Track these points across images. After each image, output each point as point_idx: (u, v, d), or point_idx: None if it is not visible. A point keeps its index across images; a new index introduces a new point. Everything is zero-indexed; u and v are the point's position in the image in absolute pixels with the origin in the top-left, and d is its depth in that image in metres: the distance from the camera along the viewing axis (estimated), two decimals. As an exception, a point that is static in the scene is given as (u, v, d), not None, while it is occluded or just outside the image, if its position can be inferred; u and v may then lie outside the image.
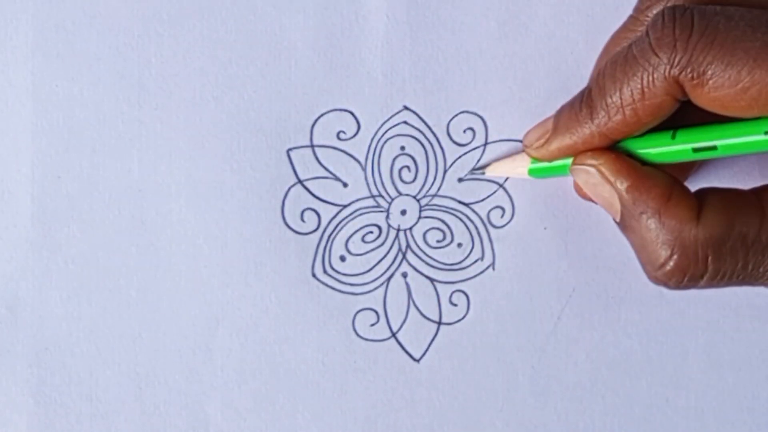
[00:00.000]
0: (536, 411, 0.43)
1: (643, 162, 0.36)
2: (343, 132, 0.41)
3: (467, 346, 0.42)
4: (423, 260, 0.42)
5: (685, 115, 0.36)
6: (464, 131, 0.42)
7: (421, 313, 0.42)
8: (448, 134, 0.42)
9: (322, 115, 0.41)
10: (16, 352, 0.41)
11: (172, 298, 0.42)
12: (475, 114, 0.42)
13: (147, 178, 0.41)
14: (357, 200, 0.42)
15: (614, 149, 0.37)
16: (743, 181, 0.42)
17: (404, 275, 0.42)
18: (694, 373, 0.43)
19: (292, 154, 0.41)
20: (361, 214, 0.42)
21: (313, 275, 0.42)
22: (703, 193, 0.36)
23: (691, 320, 0.43)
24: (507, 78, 0.42)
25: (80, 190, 0.41)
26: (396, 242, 0.42)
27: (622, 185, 0.36)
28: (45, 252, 0.41)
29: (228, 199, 0.41)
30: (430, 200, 0.42)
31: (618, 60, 0.35)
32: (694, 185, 0.38)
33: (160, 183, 0.41)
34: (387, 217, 0.42)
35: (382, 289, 0.42)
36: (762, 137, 0.34)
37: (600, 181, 0.36)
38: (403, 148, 0.42)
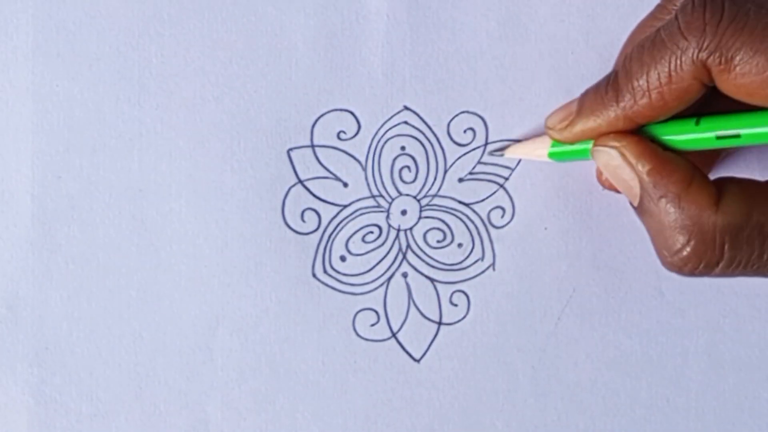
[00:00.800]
0: (536, 411, 0.43)
1: (666, 148, 0.36)
2: (344, 132, 0.41)
3: (467, 346, 0.42)
4: (423, 260, 0.42)
5: (709, 103, 0.36)
6: (465, 131, 0.42)
7: (422, 313, 0.42)
8: (449, 134, 0.42)
9: (322, 115, 0.41)
10: (16, 351, 0.41)
11: (172, 298, 0.42)
12: (476, 114, 0.42)
13: (147, 178, 0.41)
14: (357, 200, 0.42)
15: (637, 133, 0.37)
16: (761, 173, 0.42)
17: (404, 275, 0.42)
18: (694, 373, 0.43)
19: (293, 154, 0.41)
20: (361, 214, 0.42)
21: (314, 275, 0.42)
22: (723, 181, 0.36)
23: (691, 320, 0.43)
24: (507, 78, 0.42)
25: (80, 190, 0.41)
26: (396, 242, 0.42)
27: (643, 168, 0.36)
28: (45, 252, 0.41)
29: (228, 199, 0.41)
30: (431, 200, 0.42)
31: (646, 44, 0.35)
32: (712, 176, 0.38)
33: (160, 183, 0.41)
34: (387, 217, 0.42)
35: (382, 289, 0.42)
36: None
37: (621, 163, 0.36)
38: (403, 148, 0.42)
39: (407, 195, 0.42)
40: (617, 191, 0.39)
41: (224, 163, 0.41)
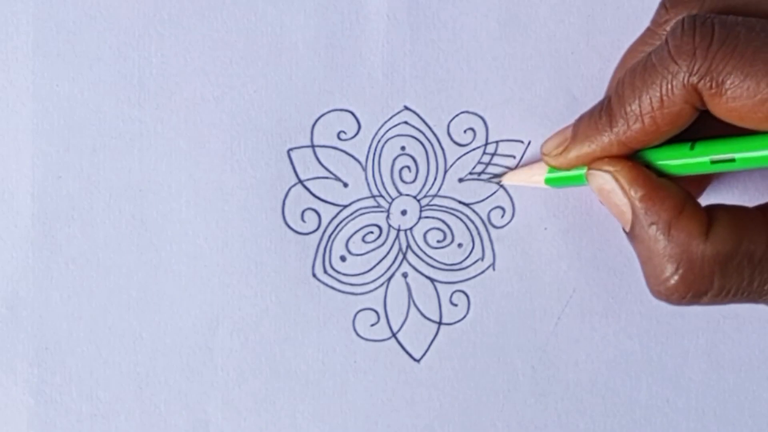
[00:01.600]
0: (536, 411, 0.43)
1: (659, 174, 0.36)
2: (344, 132, 0.41)
3: (467, 346, 0.42)
4: (423, 260, 0.42)
5: (703, 128, 0.36)
6: (465, 131, 0.42)
7: (422, 314, 0.42)
8: (449, 134, 0.42)
9: (322, 115, 0.41)
10: (16, 351, 0.41)
11: (172, 298, 0.42)
12: (476, 114, 0.42)
13: (147, 178, 0.41)
14: (357, 200, 0.42)
15: (632, 158, 0.37)
16: (752, 196, 0.42)
17: (404, 275, 0.42)
18: (694, 373, 0.43)
19: (293, 154, 0.41)
20: (361, 214, 0.42)
21: (314, 275, 0.42)
22: (713, 209, 0.36)
23: (691, 320, 0.43)
24: (507, 78, 0.42)
25: (80, 190, 0.41)
26: (396, 242, 0.42)
27: (636, 194, 0.36)
28: (45, 252, 0.41)
29: (228, 199, 0.41)
30: (431, 200, 0.42)
31: (637, 68, 0.35)
32: (703, 199, 0.38)
33: (160, 183, 0.41)
34: (387, 217, 0.42)
35: (382, 289, 0.42)
36: None
37: (614, 188, 0.36)
38: (403, 148, 0.42)
39: (407, 195, 0.42)
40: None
41: (224, 163, 0.41)
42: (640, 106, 0.35)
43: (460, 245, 0.42)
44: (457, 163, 0.42)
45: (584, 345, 0.43)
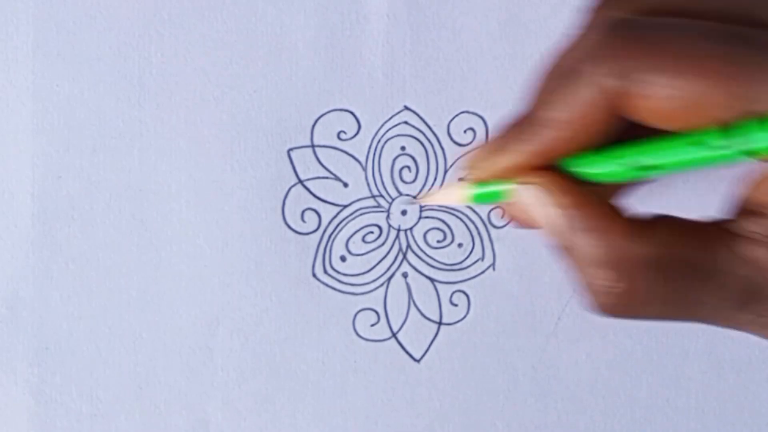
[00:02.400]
0: (536, 411, 0.43)
1: (585, 181, 0.34)
2: (344, 132, 0.41)
3: (467, 346, 0.42)
4: (423, 260, 0.42)
5: (629, 134, 0.34)
6: (465, 131, 0.42)
7: (422, 313, 0.42)
8: (449, 134, 0.42)
9: (322, 115, 0.41)
10: (17, 351, 0.41)
11: (172, 298, 0.42)
12: (476, 114, 0.42)
13: (147, 178, 0.41)
14: (357, 200, 0.42)
15: (555, 168, 0.35)
16: (682, 202, 0.42)
17: (405, 275, 0.42)
18: (694, 373, 0.43)
19: (293, 154, 0.41)
20: (361, 214, 0.42)
21: (314, 275, 0.42)
22: (645, 216, 0.34)
23: (691, 320, 0.43)
24: (507, 78, 0.42)
25: (80, 190, 0.41)
26: (396, 242, 0.42)
27: (562, 203, 0.34)
28: (45, 252, 0.41)
29: (228, 199, 0.41)
30: (431, 200, 0.42)
31: (555, 73, 0.34)
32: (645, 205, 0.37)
33: (160, 183, 0.41)
34: (387, 217, 0.42)
35: (382, 289, 0.42)
36: (706, 153, 0.32)
37: (541, 200, 0.34)
38: (403, 148, 0.42)
39: (407, 195, 0.42)
40: (533, 227, 0.36)
41: (224, 163, 0.41)
42: (559, 114, 0.33)
43: (460, 245, 0.42)
44: (457, 163, 0.42)
45: (584, 345, 0.43)
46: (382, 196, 0.42)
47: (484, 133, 0.42)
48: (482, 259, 0.42)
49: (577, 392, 0.43)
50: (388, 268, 0.42)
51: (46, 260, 0.41)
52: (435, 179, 0.42)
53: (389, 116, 0.42)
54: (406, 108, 0.42)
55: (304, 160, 0.42)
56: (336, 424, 0.42)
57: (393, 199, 0.42)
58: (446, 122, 0.42)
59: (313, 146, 0.41)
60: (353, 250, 0.42)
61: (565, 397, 0.43)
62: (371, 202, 0.42)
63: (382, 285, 0.42)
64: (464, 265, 0.42)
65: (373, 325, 0.42)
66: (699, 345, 0.43)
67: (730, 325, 0.34)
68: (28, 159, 0.41)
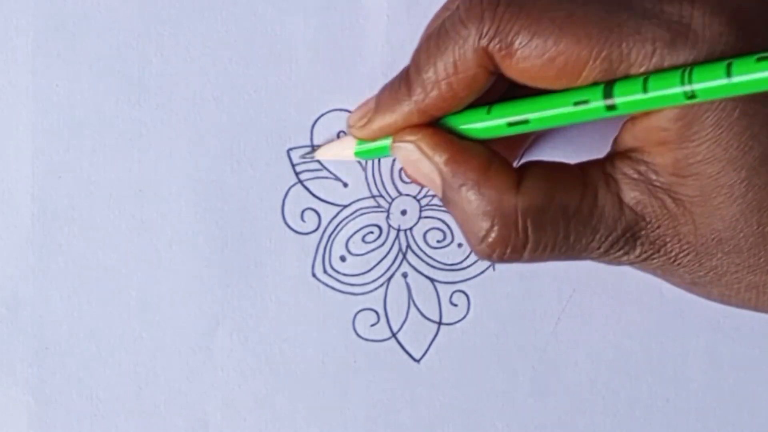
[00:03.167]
0: (536, 411, 0.43)
1: (463, 137, 0.36)
2: (344, 132, 0.41)
3: (467, 346, 0.42)
4: (423, 260, 0.42)
5: (508, 91, 0.36)
6: (464, 131, 0.42)
7: (422, 314, 0.42)
8: (449, 134, 0.42)
9: (322, 115, 0.41)
10: (16, 351, 0.41)
11: (172, 298, 0.42)
12: (476, 114, 0.42)
13: (147, 178, 0.41)
14: (357, 200, 0.42)
15: (433, 125, 0.36)
16: (570, 156, 0.42)
17: (404, 275, 0.42)
18: (694, 373, 0.43)
19: (293, 154, 0.41)
20: (361, 214, 0.42)
21: (314, 275, 0.42)
22: (525, 165, 0.36)
23: (691, 320, 0.43)
24: (507, 78, 0.42)
25: (80, 190, 0.41)
26: (396, 242, 0.42)
27: (440, 158, 0.36)
28: (45, 252, 0.41)
29: (228, 199, 0.41)
30: (431, 200, 0.42)
31: (432, 35, 0.35)
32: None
33: (160, 183, 0.41)
34: (387, 217, 0.42)
35: (382, 290, 0.42)
36: (571, 109, 0.33)
37: (419, 156, 0.36)
38: (403, 148, 0.42)
39: (407, 195, 0.42)
40: (421, 184, 0.39)
41: (224, 163, 0.41)
42: (435, 73, 0.35)
43: (460, 245, 0.42)
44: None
45: (584, 345, 0.43)
46: (381, 196, 0.42)
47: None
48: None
49: (577, 392, 0.43)
50: (388, 268, 0.42)
51: (46, 260, 0.41)
52: (435, 179, 0.42)
53: (389, 116, 0.42)
54: (406, 108, 0.42)
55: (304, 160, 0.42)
56: (336, 424, 0.42)
57: (393, 199, 0.42)
58: (446, 122, 0.42)
59: (313, 146, 0.41)
60: (353, 250, 0.42)
61: (565, 397, 0.43)
62: (371, 202, 0.42)
63: (381, 285, 0.42)
64: (464, 265, 0.42)
65: (373, 325, 0.42)
66: (699, 345, 0.43)
67: (618, 263, 0.36)
68: (28, 159, 0.41)
